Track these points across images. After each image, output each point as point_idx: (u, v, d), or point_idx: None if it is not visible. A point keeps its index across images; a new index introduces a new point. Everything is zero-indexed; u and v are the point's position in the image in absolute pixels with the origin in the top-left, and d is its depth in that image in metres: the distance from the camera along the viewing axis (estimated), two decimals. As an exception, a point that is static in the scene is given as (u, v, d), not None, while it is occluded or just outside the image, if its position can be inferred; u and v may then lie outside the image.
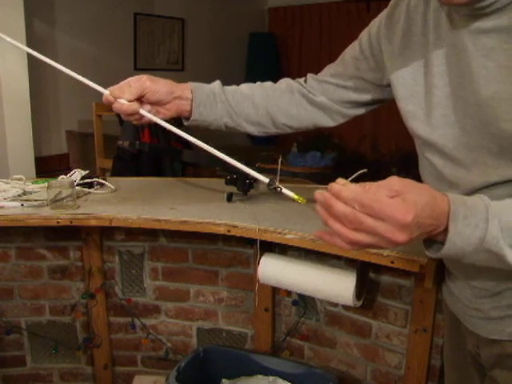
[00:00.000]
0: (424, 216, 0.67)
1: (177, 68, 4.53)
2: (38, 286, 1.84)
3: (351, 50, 1.15)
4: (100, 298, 1.83)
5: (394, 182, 0.68)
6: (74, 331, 1.89)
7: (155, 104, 1.11)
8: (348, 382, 1.64)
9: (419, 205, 0.67)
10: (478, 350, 1.01)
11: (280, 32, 5.14)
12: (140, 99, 1.09)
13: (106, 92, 1.07)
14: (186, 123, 1.20)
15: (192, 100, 1.15)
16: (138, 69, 4.20)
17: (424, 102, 0.91)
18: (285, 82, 1.27)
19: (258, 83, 1.25)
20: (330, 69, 1.22)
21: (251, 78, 5.01)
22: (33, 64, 3.05)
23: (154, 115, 1.09)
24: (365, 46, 1.09)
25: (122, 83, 1.09)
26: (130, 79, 1.10)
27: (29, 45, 2.96)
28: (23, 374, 1.92)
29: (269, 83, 1.25)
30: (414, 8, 0.94)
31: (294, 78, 1.28)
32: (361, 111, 1.22)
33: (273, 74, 5.05)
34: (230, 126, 1.22)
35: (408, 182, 0.69)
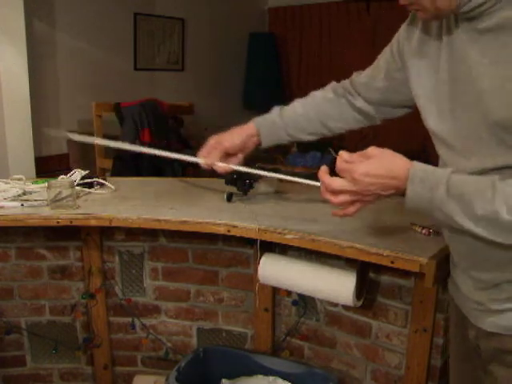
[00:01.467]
0: (378, 174, 0.94)
1: (177, 68, 4.52)
2: (38, 286, 1.84)
3: (384, 53, 1.24)
4: (100, 297, 1.83)
5: (369, 150, 0.97)
6: (74, 331, 1.89)
7: (239, 151, 1.43)
8: (348, 382, 1.64)
9: (374, 165, 0.95)
10: (477, 342, 1.05)
11: (280, 32, 5.13)
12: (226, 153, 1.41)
13: (201, 162, 1.39)
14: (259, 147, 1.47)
15: (259, 134, 1.42)
16: (138, 69, 4.19)
17: (434, 98, 1.00)
18: (332, 88, 1.40)
19: (310, 96, 1.42)
20: (367, 71, 1.32)
21: (251, 77, 5.02)
22: (33, 64, 3.05)
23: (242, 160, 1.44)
24: (394, 47, 1.17)
25: (206, 148, 1.40)
26: (210, 143, 1.41)
27: (29, 45, 2.97)
28: (23, 373, 1.92)
29: (319, 94, 1.41)
30: None
31: (338, 81, 1.43)
32: (396, 113, 1.31)
33: (273, 73, 5.04)
34: (292, 141, 1.45)
35: (378, 150, 0.97)
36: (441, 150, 1.02)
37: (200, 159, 1.37)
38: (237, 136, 1.41)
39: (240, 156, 1.43)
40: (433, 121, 1.02)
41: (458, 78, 0.94)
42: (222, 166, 1.36)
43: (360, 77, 1.34)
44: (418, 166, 0.93)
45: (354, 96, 1.35)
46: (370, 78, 1.29)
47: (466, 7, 0.87)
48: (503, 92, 0.86)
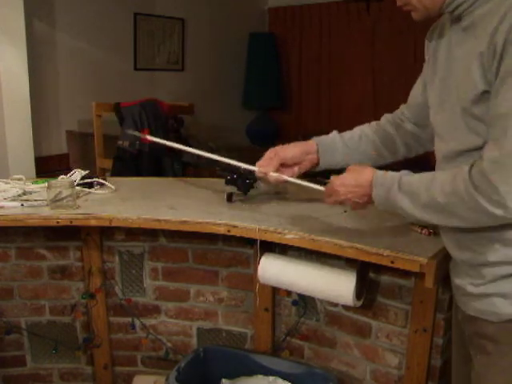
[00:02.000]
0: (348, 184, 1.18)
1: (177, 68, 4.51)
2: (38, 286, 1.84)
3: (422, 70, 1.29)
4: (100, 297, 1.83)
5: (349, 167, 1.23)
6: (73, 331, 1.89)
7: (294, 165, 1.42)
8: (348, 382, 1.64)
9: (345, 177, 1.20)
10: (463, 326, 1.15)
11: (280, 32, 5.12)
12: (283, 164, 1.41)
13: (256, 169, 1.40)
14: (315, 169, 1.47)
15: (317, 151, 1.42)
16: (138, 69, 4.18)
17: (434, 95, 1.12)
18: (385, 117, 1.44)
19: (366, 124, 1.45)
20: (411, 93, 1.37)
21: (251, 77, 5.00)
22: (33, 64, 3.05)
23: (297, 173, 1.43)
24: (426, 61, 1.25)
25: (264, 159, 1.40)
26: (268, 154, 1.41)
27: (29, 45, 2.97)
28: (23, 374, 1.92)
29: (374, 122, 1.45)
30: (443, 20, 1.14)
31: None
32: None
33: (273, 73, 5.03)
34: (347, 164, 1.40)
35: (354, 165, 1.23)
36: (435, 138, 1.15)
37: (256, 168, 1.40)
38: (293, 148, 1.42)
39: (296, 169, 1.42)
40: (431, 114, 1.15)
41: (448, 75, 1.06)
42: (274, 176, 1.38)
43: (406, 104, 1.39)
44: (379, 173, 1.13)
45: (403, 120, 1.38)
46: (412, 97, 1.34)
47: (449, 7, 1.00)
48: (468, 79, 0.97)
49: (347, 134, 1.43)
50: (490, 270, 1.02)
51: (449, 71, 1.06)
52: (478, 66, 0.95)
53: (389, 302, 1.51)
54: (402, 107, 1.39)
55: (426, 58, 1.22)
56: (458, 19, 1.03)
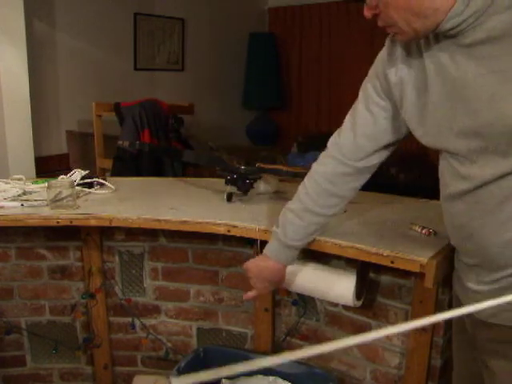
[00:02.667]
0: None
1: (177, 68, 4.51)
2: (38, 286, 1.84)
3: (366, 100, 1.13)
4: (100, 298, 1.83)
5: None
6: (74, 331, 1.89)
7: None
8: (348, 382, 1.64)
9: None
10: (473, 331, 1.10)
11: (280, 32, 5.12)
12: None
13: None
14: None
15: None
16: (138, 69, 4.18)
17: (433, 117, 1.00)
18: (330, 165, 1.20)
19: (313, 187, 1.22)
20: (347, 132, 1.18)
21: (251, 77, 5.00)
22: (33, 64, 3.05)
23: None
24: (377, 89, 1.10)
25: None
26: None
27: (29, 45, 2.96)
28: (23, 374, 1.92)
29: (320, 179, 1.21)
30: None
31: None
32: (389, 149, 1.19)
33: (273, 74, 5.03)
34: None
35: None
36: (453, 161, 1.01)
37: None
38: (283, 273, 1.34)
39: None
40: (442, 141, 1.00)
41: (455, 95, 0.95)
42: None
43: (347, 136, 1.17)
44: None
45: (351, 159, 1.18)
46: (367, 126, 1.13)
47: (449, 24, 0.90)
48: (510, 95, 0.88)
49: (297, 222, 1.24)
50: (506, 275, 0.99)
51: (454, 91, 0.95)
52: None
53: (389, 302, 1.51)
54: (345, 148, 1.17)
55: (395, 77, 1.05)
56: (452, 36, 0.93)
